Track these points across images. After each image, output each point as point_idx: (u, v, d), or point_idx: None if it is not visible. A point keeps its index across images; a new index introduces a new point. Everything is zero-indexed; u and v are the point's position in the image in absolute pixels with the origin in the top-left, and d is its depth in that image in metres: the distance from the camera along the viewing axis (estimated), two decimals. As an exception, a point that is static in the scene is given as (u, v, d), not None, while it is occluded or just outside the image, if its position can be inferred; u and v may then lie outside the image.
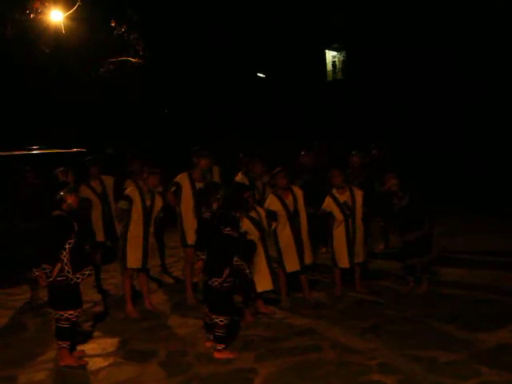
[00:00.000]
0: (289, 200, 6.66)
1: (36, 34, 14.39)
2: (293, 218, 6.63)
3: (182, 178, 7.02)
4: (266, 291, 6.35)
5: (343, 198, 6.89)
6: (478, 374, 4.58)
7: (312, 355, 5.19)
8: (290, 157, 9.10)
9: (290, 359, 5.12)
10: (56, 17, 14.25)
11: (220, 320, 5.25)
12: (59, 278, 5.15)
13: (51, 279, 5.18)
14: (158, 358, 5.34)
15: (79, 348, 5.61)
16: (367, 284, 7.24)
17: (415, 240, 6.80)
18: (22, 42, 14.24)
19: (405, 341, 5.36)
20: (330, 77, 25.26)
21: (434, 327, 5.70)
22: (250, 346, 5.47)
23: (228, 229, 5.35)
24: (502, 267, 7.80)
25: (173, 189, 7.05)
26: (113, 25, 15.94)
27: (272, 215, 6.44)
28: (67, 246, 5.15)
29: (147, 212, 6.58)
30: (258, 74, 25.08)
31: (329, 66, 25.18)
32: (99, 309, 7.06)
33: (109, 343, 5.80)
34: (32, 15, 14.07)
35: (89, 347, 5.70)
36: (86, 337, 5.97)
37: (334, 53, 24.88)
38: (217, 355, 5.25)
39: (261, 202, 6.71)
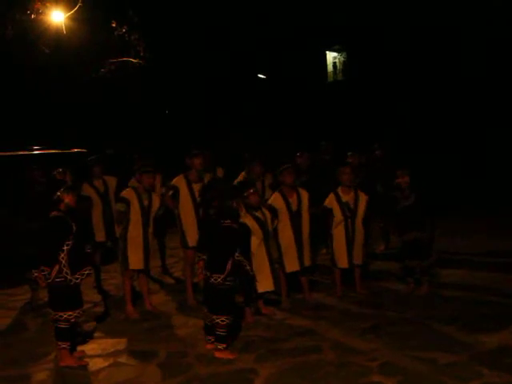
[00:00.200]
0: (293, 199, 6.64)
1: (37, 34, 14.40)
2: (295, 218, 6.61)
3: (179, 181, 7.06)
4: (267, 292, 6.34)
5: (346, 197, 6.89)
6: (479, 376, 4.58)
7: (312, 356, 5.18)
8: (290, 157, 9.09)
9: (290, 360, 5.12)
10: (57, 17, 14.25)
11: (221, 320, 5.24)
12: (58, 279, 5.14)
13: (50, 280, 5.18)
14: (158, 359, 5.34)
15: (79, 348, 5.61)
16: (367, 285, 7.24)
17: (414, 241, 6.80)
18: (23, 43, 14.24)
19: (405, 342, 5.36)
20: (330, 78, 25.25)
21: (434, 328, 5.69)
22: (251, 347, 5.47)
23: (228, 221, 5.36)
24: (502, 268, 7.80)
25: (170, 192, 7.09)
26: (114, 25, 15.94)
27: (273, 211, 6.44)
28: (65, 248, 5.13)
29: (145, 212, 6.57)
30: (259, 75, 25.09)
31: (329, 67, 25.17)
32: (99, 309, 7.05)
33: (109, 344, 5.80)
34: (33, 15, 14.08)
35: (89, 348, 5.70)
36: (86, 337, 5.96)
37: (335, 54, 24.87)
38: (217, 354, 5.25)
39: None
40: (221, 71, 21.43)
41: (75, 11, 14.25)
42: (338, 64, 24.90)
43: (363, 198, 6.96)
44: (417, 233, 6.79)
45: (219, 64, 21.18)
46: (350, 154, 8.60)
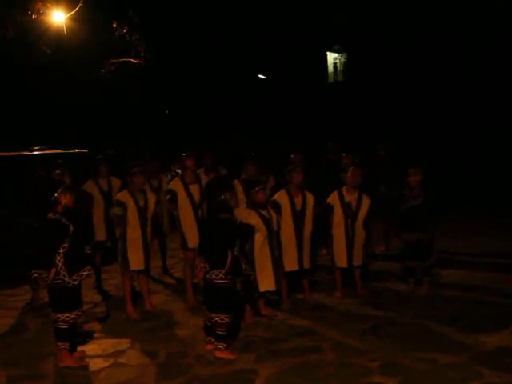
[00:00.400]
0: (298, 199, 6.64)
1: (37, 34, 14.39)
2: (298, 218, 6.60)
3: (175, 184, 7.10)
4: (269, 292, 6.34)
5: (349, 198, 6.90)
6: (479, 376, 4.58)
7: (312, 356, 5.18)
8: (287, 158, 9.10)
9: (290, 360, 5.12)
10: (58, 17, 14.24)
11: (220, 318, 5.25)
12: (55, 281, 5.12)
13: (48, 282, 5.18)
14: (158, 359, 5.34)
15: (79, 349, 5.60)
16: (368, 285, 7.24)
17: (416, 241, 6.80)
18: (24, 43, 14.24)
19: (405, 342, 5.36)
20: (331, 78, 25.25)
21: (434, 329, 5.69)
22: (251, 347, 5.47)
23: (225, 215, 5.38)
24: (502, 269, 7.81)
25: (168, 197, 7.12)
26: (114, 26, 15.93)
27: (277, 207, 6.45)
28: (61, 251, 5.09)
29: (142, 212, 6.57)
30: (259, 76, 25.09)
31: (330, 68, 25.17)
32: (99, 310, 7.05)
33: (109, 344, 5.80)
34: (33, 16, 14.06)
35: (89, 348, 5.70)
36: (87, 338, 5.95)
37: (336, 54, 24.87)
38: (218, 354, 5.25)
39: None
40: (221, 71, 21.44)
41: (76, 11, 14.24)
42: (338, 65, 24.90)
43: (366, 201, 6.96)
44: (420, 233, 6.78)
45: (219, 64, 21.20)
46: (343, 154, 8.59)
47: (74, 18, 14.41)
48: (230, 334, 5.43)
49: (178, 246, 7.92)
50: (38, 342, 5.93)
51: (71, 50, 14.92)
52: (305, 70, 22.87)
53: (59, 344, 5.22)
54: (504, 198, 12.70)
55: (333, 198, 6.95)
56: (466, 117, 17.34)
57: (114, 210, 6.62)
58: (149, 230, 6.67)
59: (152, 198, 6.75)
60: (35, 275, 6.76)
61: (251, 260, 6.03)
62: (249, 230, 5.98)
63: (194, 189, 7.06)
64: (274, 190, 7.05)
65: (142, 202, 6.58)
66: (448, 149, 16.79)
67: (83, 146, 11.34)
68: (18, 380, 5.08)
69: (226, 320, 5.27)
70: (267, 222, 6.09)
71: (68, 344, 5.24)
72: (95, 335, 6.09)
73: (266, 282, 6.16)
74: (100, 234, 7.83)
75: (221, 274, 5.25)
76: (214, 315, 5.28)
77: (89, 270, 5.36)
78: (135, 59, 16.86)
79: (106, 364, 5.29)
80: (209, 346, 5.44)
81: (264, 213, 6.10)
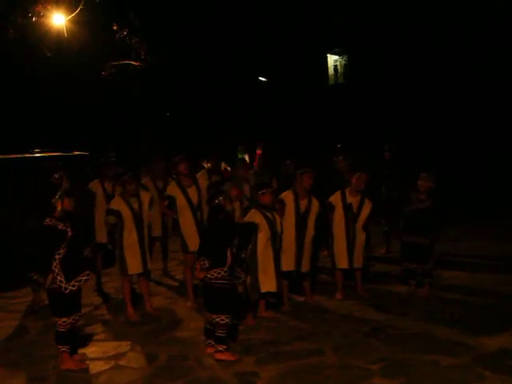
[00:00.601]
0: (303, 202, 6.64)
1: (38, 37, 14.41)
2: (300, 220, 6.59)
3: (173, 189, 7.11)
4: (270, 293, 6.32)
5: (351, 199, 6.90)
6: (481, 378, 4.58)
7: (313, 359, 5.18)
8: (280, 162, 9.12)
9: (291, 363, 5.11)
10: (58, 20, 14.26)
11: (221, 319, 5.24)
12: (53, 286, 5.10)
13: (45, 287, 5.17)
14: (158, 362, 5.33)
15: (80, 351, 5.59)
16: (368, 287, 7.23)
17: (417, 245, 6.77)
18: (24, 46, 14.25)
19: (406, 344, 5.35)
20: (331, 80, 25.26)
21: (435, 331, 5.68)
22: (252, 350, 5.46)
23: (221, 216, 5.40)
24: (503, 271, 7.80)
25: (166, 202, 7.14)
26: (115, 28, 15.96)
27: (281, 204, 6.46)
28: (57, 257, 5.06)
29: (137, 216, 6.53)
30: (260, 78, 25.10)
31: (330, 70, 25.18)
32: (100, 312, 7.04)
33: (110, 346, 5.79)
34: (34, 18, 14.09)
35: (90, 350, 5.69)
36: (87, 340, 5.95)
37: (336, 57, 24.88)
38: (218, 356, 5.25)
39: (249, 209, 6.48)
40: (221, 74, 21.45)
41: (76, 14, 14.26)
42: (338, 67, 24.90)
43: (368, 204, 6.96)
44: (423, 238, 6.75)
45: (220, 67, 21.21)
46: (339, 158, 8.59)
47: (74, 21, 14.43)
48: (230, 336, 5.43)
49: (178, 249, 7.92)
50: (39, 345, 5.92)
51: (71, 52, 14.93)
52: (305, 72, 22.88)
53: (59, 347, 5.21)
54: (504, 200, 12.69)
55: (335, 198, 6.96)
56: (466, 118, 17.33)
57: (108, 219, 6.62)
58: (146, 231, 6.65)
59: (146, 199, 6.69)
60: (35, 277, 6.75)
61: (253, 260, 6.03)
62: (253, 229, 5.99)
63: (192, 192, 7.07)
64: (276, 193, 7.05)
65: (135, 206, 6.53)
66: (448, 150, 16.78)
67: (84, 149, 11.34)
68: (18, 383, 5.07)
69: (227, 320, 5.27)
70: (271, 223, 6.09)
71: (68, 347, 5.23)
72: (96, 338, 6.08)
73: (268, 284, 6.15)
74: (101, 236, 7.82)
75: (222, 272, 5.25)
76: (214, 316, 5.28)
77: (87, 276, 5.29)
78: (135, 61, 16.88)
79: (107, 366, 5.28)
80: (209, 349, 5.43)
81: (269, 214, 6.11)
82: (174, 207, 7.11)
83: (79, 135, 15.99)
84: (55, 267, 5.05)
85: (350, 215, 6.87)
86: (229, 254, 5.31)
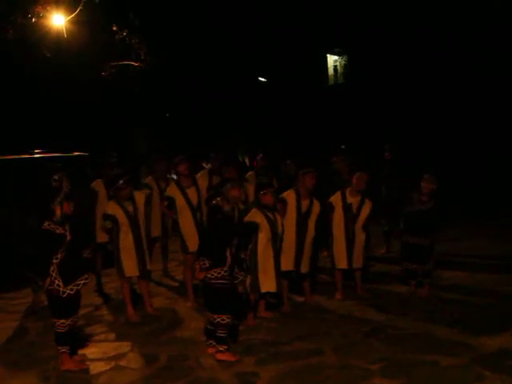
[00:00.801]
0: (304, 202, 6.63)
1: (37, 37, 14.41)
2: (301, 220, 6.58)
3: (172, 190, 7.11)
4: (270, 293, 6.32)
5: (351, 200, 6.90)
6: (481, 378, 4.57)
7: (313, 359, 5.18)
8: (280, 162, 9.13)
9: (291, 363, 5.11)
10: (58, 21, 14.25)
11: (222, 319, 5.25)
12: (50, 288, 5.09)
13: (44, 289, 5.16)
14: (159, 362, 5.33)
15: (80, 352, 5.59)
16: (368, 287, 7.23)
17: (417, 245, 6.77)
18: (24, 46, 14.25)
19: (406, 344, 5.35)
20: (331, 81, 25.25)
21: (435, 331, 5.68)
22: (252, 350, 5.46)
23: (220, 216, 5.40)
24: (503, 271, 7.80)
25: (165, 203, 7.13)
26: (114, 29, 15.95)
27: (283, 203, 6.46)
28: (54, 261, 5.04)
29: (133, 218, 6.48)
30: (260, 78, 25.10)
31: (330, 70, 25.17)
32: (100, 313, 7.05)
33: (110, 347, 5.79)
34: (34, 19, 14.07)
35: (90, 351, 5.69)
36: (87, 341, 5.95)
37: (336, 57, 24.87)
38: (219, 357, 5.25)
39: (245, 212, 6.37)
40: (221, 74, 21.46)
41: (76, 15, 14.25)
42: (338, 67, 24.90)
43: (368, 205, 6.96)
44: (421, 239, 6.75)
45: (220, 67, 21.21)
46: (338, 158, 8.59)
47: (73, 21, 14.42)
48: (230, 336, 5.43)
49: (178, 249, 7.92)
50: (39, 346, 5.92)
51: (71, 52, 14.93)
52: (305, 72, 22.88)
53: (59, 348, 5.21)
54: (504, 200, 12.70)
55: (335, 198, 6.96)
56: (466, 118, 17.34)
57: (105, 224, 6.61)
58: (143, 232, 6.61)
59: (140, 200, 6.65)
60: (35, 279, 6.75)
61: (253, 260, 6.03)
62: (253, 228, 5.99)
63: (192, 192, 7.07)
64: (277, 193, 7.05)
65: (130, 208, 6.48)
66: (448, 150, 16.79)
67: (84, 149, 11.33)
68: None
69: (228, 320, 5.27)
70: (272, 223, 6.09)
71: (68, 348, 5.22)
72: (96, 338, 6.08)
73: (268, 284, 6.15)
74: (101, 236, 7.82)
75: (222, 272, 5.25)
76: (215, 316, 5.28)
77: (86, 279, 5.26)
78: (135, 62, 16.88)
79: (107, 367, 5.28)
80: (210, 350, 5.43)
81: (270, 214, 6.11)
82: (173, 208, 7.12)
83: (79, 135, 15.99)
84: (53, 271, 5.04)
85: (350, 215, 6.87)
86: (228, 253, 5.31)
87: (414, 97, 18.75)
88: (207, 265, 5.25)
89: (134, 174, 8.08)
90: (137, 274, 6.60)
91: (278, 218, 6.23)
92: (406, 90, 18.92)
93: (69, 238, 5.10)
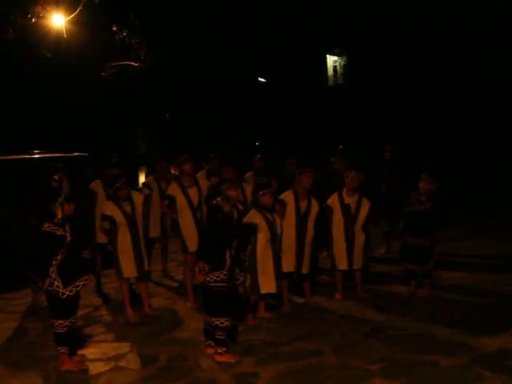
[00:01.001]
0: (303, 203, 6.62)
1: (37, 37, 14.40)
2: (301, 221, 6.58)
3: (173, 189, 7.10)
4: (269, 294, 6.32)
5: (349, 200, 6.89)
6: (481, 378, 4.57)
7: (313, 359, 5.17)
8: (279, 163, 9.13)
9: (291, 363, 5.10)
10: (57, 21, 14.24)
11: (220, 322, 5.23)
12: (50, 289, 5.08)
13: (43, 290, 5.16)
14: (158, 363, 5.32)
15: (80, 352, 5.59)
16: (368, 288, 7.22)
17: (417, 246, 6.76)
18: (23, 46, 14.25)
19: (406, 345, 5.35)
20: (331, 81, 25.26)
21: (435, 331, 5.67)
22: (252, 351, 5.45)
23: (220, 217, 5.38)
24: (503, 271, 7.80)
25: (166, 202, 7.11)
26: (114, 29, 15.95)
27: (283, 205, 6.44)
28: (54, 263, 5.04)
29: (130, 219, 6.48)
30: (259, 79, 25.10)
31: (330, 71, 25.18)
32: (99, 313, 7.05)
33: (109, 348, 5.79)
34: (33, 19, 14.07)
35: (89, 351, 5.68)
36: (87, 341, 5.94)
37: (335, 57, 24.88)
38: (218, 358, 5.23)
39: (244, 213, 6.39)
40: (221, 75, 21.46)
41: (76, 15, 14.25)
42: (338, 67, 24.91)
43: (366, 204, 6.95)
44: (423, 239, 6.75)
45: (220, 67, 21.21)
46: (337, 158, 8.58)
47: (73, 22, 14.41)
48: (230, 337, 5.42)
49: (177, 250, 7.92)
50: (38, 346, 5.92)
51: (71, 53, 14.92)
52: (304, 72, 22.89)
53: (59, 348, 5.21)
54: (504, 200, 12.69)
55: (333, 200, 6.95)
56: (466, 118, 17.34)
57: (102, 225, 6.60)
58: (141, 233, 6.60)
59: (138, 201, 6.64)
60: (35, 279, 6.74)
61: (252, 261, 6.02)
62: (252, 229, 5.97)
63: (193, 192, 7.05)
64: (276, 194, 7.04)
65: (128, 209, 6.47)
66: (448, 150, 16.79)
67: (84, 149, 11.33)
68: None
69: (226, 323, 5.26)
70: (271, 224, 6.08)
71: (67, 348, 5.22)
72: (95, 339, 6.08)
73: (267, 284, 6.15)
74: (101, 237, 7.81)
75: (221, 276, 5.24)
76: (214, 319, 5.26)
77: (85, 281, 5.26)
78: (135, 62, 16.87)
79: (106, 368, 5.28)
80: (209, 350, 5.42)
81: (268, 215, 6.10)
82: (174, 207, 7.10)
83: (79, 135, 15.99)
84: (52, 272, 5.03)
85: (349, 216, 6.86)
86: (228, 256, 5.29)
87: (413, 97, 18.75)
88: (206, 269, 5.25)
89: (132, 175, 8.08)
90: (135, 274, 6.60)
91: (277, 218, 6.22)
92: (405, 91, 18.92)
93: (69, 239, 5.10)
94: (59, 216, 5.12)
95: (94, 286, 7.84)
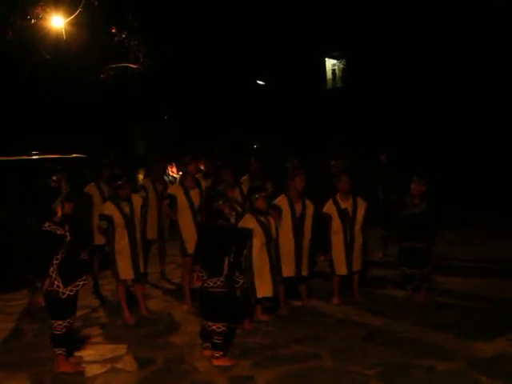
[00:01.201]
0: (298, 206, 6.62)
1: (37, 39, 14.42)
2: (297, 224, 6.58)
3: (175, 189, 7.09)
4: (265, 298, 6.32)
5: (344, 204, 6.89)
6: (477, 383, 4.57)
7: (310, 363, 5.17)
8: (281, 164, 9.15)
9: (288, 367, 5.10)
10: (57, 22, 14.28)
11: (217, 327, 5.23)
12: (50, 289, 5.09)
13: (43, 290, 5.16)
14: (155, 365, 5.32)
15: (76, 354, 5.58)
16: (365, 292, 7.23)
17: (414, 249, 6.76)
18: (23, 48, 14.25)
19: (403, 349, 5.35)
20: (329, 85, 25.30)
21: (432, 335, 5.68)
22: (248, 354, 5.45)
23: (220, 221, 5.36)
24: (499, 276, 7.81)
25: (167, 202, 7.09)
26: (113, 31, 15.97)
27: (278, 210, 6.42)
28: (54, 262, 5.05)
29: (129, 220, 6.47)
30: (258, 82, 25.13)
31: (329, 74, 25.23)
32: (97, 315, 7.04)
33: (106, 349, 5.78)
34: (33, 21, 14.09)
35: (86, 353, 5.68)
36: (83, 343, 5.94)
37: (334, 61, 24.93)
38: (215, 362, 5.23)
39: (241, 215, 6.38)
40: (220, 77, 21.48)
41: (75, 16, 14.28)
42: (337, 71, 24.96)
43: (362, 205, 6.95)
44: (419, 242, 6.75)
45: (218, 70, 21.23)
46: (336, 162, 8.59)
47: (73, 23, 14.45)
48: (227, 340, 5.42)
49: (176, 252, 7.91)
50: (35, 347, 5.91)
51: (70, 54, 14.94)
52: (303, 76, 22.92)
53: (55, 349, 5.20)
54: (502, 205, 12.71)
55: (329, 208, 6.92)
56: (466, 118, 17.35)
57: (100, 224, 6.59)
58: (138, 235, 6.59)
59: (138, 203, 6.64)
60: (33, 280, 6.73)
61: (248, 266, 6.02)
62: (247, 234, 5.97)
63: (195, 194, 7.04)
64: (272, 197, 7.04)
65: (127, 210, 6.47)
66: (447, 154, 16.81)
67: (83, 150, 11.33)
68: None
69: (223, 328, 5.25)
70: (265, 228, 6.07)
71: (63, 349, 5.22)
72: (92, 340, 6.07)
73: (264, 288, 6.14)
74: (98, 238, 7.81)
75: (218, 282, 5.23)
76: (210, 323, 5.25)
77: (85, 280, 5.27)
78: (134, 64, 16.89)
79: (103, 370, 5.27)
80: (206, 352, 5.42)
81: (263, 219, 6.09)
82: (174, 207, 7.06)
83: (78, 136, 15.99)
84: (52, 272, 5.04)
85: (347, 221, 6.85)
86: (226, 264, 5.27)
87: (412, 100, 18.78)
88: (204, 276, 5.24)
89: (131, 176, 8.09)
90: (132, 277, 6.59)
91: (272, 221, 6.22)
92: (404, 94, 18.95)
93: (69, 238, 5.11)
94: (59, 215, 5.13)
95: (91, 287, 7.82)
